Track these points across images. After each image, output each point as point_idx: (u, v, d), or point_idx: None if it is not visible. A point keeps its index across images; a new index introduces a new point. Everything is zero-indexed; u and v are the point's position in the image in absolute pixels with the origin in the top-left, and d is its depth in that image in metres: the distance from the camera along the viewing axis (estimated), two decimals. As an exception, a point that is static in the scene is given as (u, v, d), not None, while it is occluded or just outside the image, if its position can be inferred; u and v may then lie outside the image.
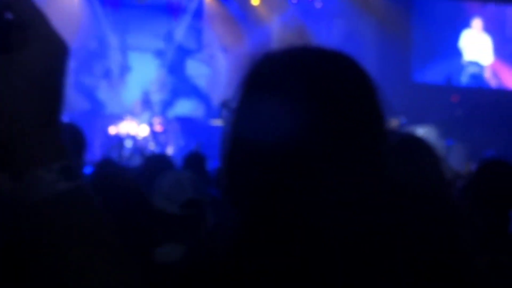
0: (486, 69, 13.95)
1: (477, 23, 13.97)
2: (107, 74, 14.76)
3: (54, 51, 0.56)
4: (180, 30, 14.95)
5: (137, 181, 3.80)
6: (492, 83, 14.13)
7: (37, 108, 0.53)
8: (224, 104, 0.81)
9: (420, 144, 1.50)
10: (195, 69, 15.35)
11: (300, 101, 0.69)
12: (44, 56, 0.55)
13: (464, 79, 13.96)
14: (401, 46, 13.31)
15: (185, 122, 13.23)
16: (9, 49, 0.54)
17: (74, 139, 2.77)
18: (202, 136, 12.69)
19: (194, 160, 4.80)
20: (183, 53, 15.16)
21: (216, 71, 15.33)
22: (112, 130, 12.57)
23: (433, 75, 14.15)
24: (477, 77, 13.87)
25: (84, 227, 0.53)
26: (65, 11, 13.59)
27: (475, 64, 13.86)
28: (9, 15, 0.55)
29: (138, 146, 11.33)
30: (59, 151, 0.54)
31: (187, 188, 2.33)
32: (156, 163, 3.33)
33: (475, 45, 13.82)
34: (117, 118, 12.93)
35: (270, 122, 0.70)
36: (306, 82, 0.71)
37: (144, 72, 14.56)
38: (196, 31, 15.28)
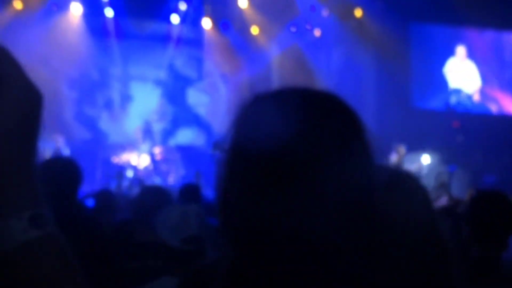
0: (474, 95, 14.11)
1: (461, 51, 14.21)
2: (108, 104, 14.92)
3: (28, 101, 0.57)
4: (181, 60, 15.19)
5: (133, 212, 3.81)
6: (493, 108, 14.19)
7: (11, 156, 0.54)
8: (216, 145, 0.80)
9: (408, 181, 1.49)
10: (196, 98, 15.51)
11: (288, 144, 0.70)
12: (18, 106, 0.55)
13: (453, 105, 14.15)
14: (400, 73, 13.43)
15: (186, 151, 13.28)
16: None
17: (70, 174, 2.79)
18: (203, 165, 12.66)
19: (189, 191, 4.81)
20: (184, 82, 15.34)
21: (216, 99, 15.48)
22: (114, 159, 12.61)
23: (433, 101, 14.24)
24: (462, 104, 14.05)
25: (54, 276, 0.53)
26: (67, 41, 13.85)
27: (459, 91, 14.08)
28: None
29: (139, 176, 11.32)
30: (32, 199, 0.55)
31: (192, 224, 2.34)
32: (151, 195, 3.34)
33: (459, 72, 14.07)
34: (118, 147, 13.03)
35: (257, 163, 0.71)
36: (293, 126, 0.72)
37: (145, 102, 14.74)
38: (196, 60, 15.48)
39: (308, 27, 14.02)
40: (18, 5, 13.05)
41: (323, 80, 14.38)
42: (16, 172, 0.54)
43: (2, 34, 12.83)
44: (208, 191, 9.24)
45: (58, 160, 3.83)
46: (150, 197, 3.47)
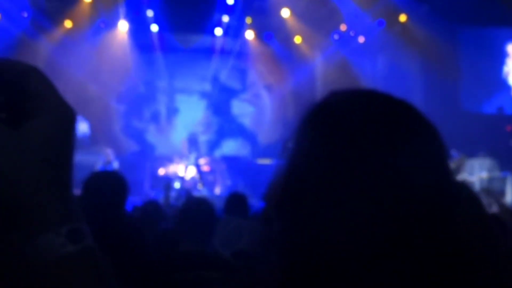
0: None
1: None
2: (155, 117, 15.31)
3: (63, 119, 0.58)
4: (225, 72, 15.41)
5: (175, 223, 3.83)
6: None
7: (47, 174, 0.56)
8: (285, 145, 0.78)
9: (463, 190, 1.44)
10: (240, 109, 15.71)
11: (359, 146, 0.68)
12: (53, 125, 0.57)
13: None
14: (448, 77, 13.11)
15: (231, 162, 13.40)
16: (19, 121, 0.56)
17: (117, 187, 2.86)
18: (249, 175, 12.77)
19: (236, 202, 4.79)
20: (228, 93, 15.56)
21: (261, 109, 15.65)
22: (161, 171, 12.87)
23: (484, 104, 13.80)
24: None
25: None
26: (114, 57, 14.31)
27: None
28: (18, 87, 0.57)
29: (185, 187, 11.49)
30: (69, 214, 0.56)
31: (244, 239, 2.33)
32: (196, 206, 3.37)
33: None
34: (165, 159, 13.31)
35: (328, 166, 0.69)
36: (366, 127, 0.70)
37: (190, 114, 15.04)
38: (240, 72, 15.69)
39: (351, 34, 13.90)
40: (68, 24, 13.60)
41: (368, 84, 14.19)
42: (53, 188, 0.56)
43: (55, 52, 13.41)
44: (254, 201, 9.28)
45: (105, 173, 3.93)
46: (195, 207, 3.48)
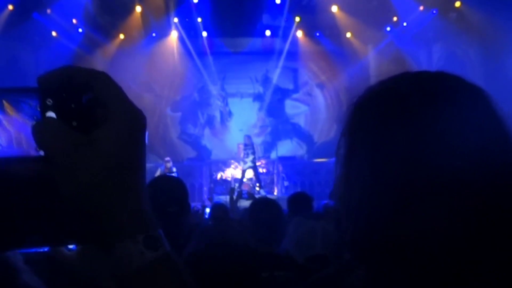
0: None
1: None
2: (210, 122, 15.69)
3: (133, 124, 0.58)
4: (276, 73, 15.64)
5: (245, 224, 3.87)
6: None
7: (120, 180, 0.56)
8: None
9: None
10: (293, 109, 15.85)
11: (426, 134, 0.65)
12: (124, 130, 0.56)
13: None
14: (509, 64, 12.71)
15: (288, 162, 13.50)
16: (90, 127, 0.56)
17: (178, 193, 2.97)
18: (306, 175, 12.82)
19: (300, 201, 4.69)
20: (281, 94, 15.74)
21: (314, 108, 15.75)
22: (218, 175, 13.15)
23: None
24: None
25: None
26: (167, 66, 14.80)
27: None
28: (89, 94, 0.58)
29: (245, 190, 11.65)
30: (144, 222, 0.56)
31: (317, 242, 2.36)
32: (263, 206, 3.32)
33: None
34: (222, 163, 13.72)
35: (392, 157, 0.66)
36: (430, 110, 0.67)
37: (244, 117, 15.35)
38: (292, 71, 15.85)
39: (404, 24, 13.70)
40: (121, 36, 14.22)
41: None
42: (127, 194, 0.56)
43: (110, 65, 13.98)
44: (314, 201, 9.31)
45: (165, 178, 3.95)
46: (262, 208, 3.32)
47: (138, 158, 0.58)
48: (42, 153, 0.55)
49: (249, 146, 12.14)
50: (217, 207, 5.40)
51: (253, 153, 12.13)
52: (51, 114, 0.56)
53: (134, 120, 0.58)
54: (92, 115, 0.57)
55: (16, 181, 0.55)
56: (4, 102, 0.56)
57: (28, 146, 0.57)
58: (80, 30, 13.45)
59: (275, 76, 15.57)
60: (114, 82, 0.59)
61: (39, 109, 0.56)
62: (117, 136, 0.56)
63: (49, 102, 0.56)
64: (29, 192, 0.55)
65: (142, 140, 0.59)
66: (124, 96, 0.59)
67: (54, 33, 13.08)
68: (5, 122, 0.56)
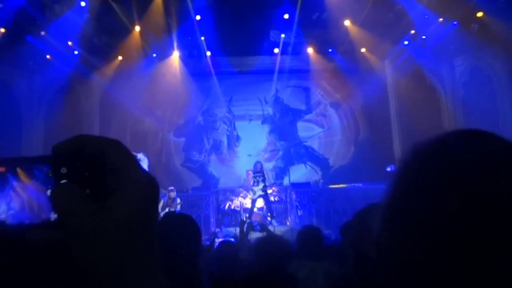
0: None
1: None
2: (216, 147, 15.65)
3: (147, 194, 0.61)
4: (287, 93, 15.65)
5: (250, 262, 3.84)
6: None
7: (134, 248, 0.59)
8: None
9: None
10: (307, 131, 15.77)
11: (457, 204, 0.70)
12: (138, 200, 0.60)
13: None
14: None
15: (301, 189, 13.29)
16: (104, 194, 0.60)
17: (189, 230, 2.91)
18: (321, 202, 12.63)
19: (309, 235, 4.66)
20: (292, 115, 15.72)
21: (329, 129, 15.67)
22: (227, 204, 13.00)
23: None
24: None
25: None
26: (169, 88, 14.80)
27: None
28: (101, 162, 0.62)
29: (255, 220, 11.51)
30: (155, 283, 0.59)
31: (320, 282, 2.35)
32: (272, 246, 3.33)
33: None
34: (230, 192, 13.60)
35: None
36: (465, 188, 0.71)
37: (254, 141, 15.34)
38: (304, 90, 15.85)
39: (423, 37, 13.60)
40: (119, 58, 14.24)
41: (448, 94, 13.83)
42: (141, 262, 0.59)
43: (108, 88, 13.99)
44: (330, 231, 9.12)
45: (175, 216, 3.96)
46: (268, 247, 3.45)
47: (151, 227, 0.61)
48: (54, 218, 0.61)
49: (259, 172, 12.04)
50: (225, 246, 5.17)
51: (264, 180, 12.03)
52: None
53: (148, 189, 0.62)
54: (105, 183, 0.61)
55: (31, 248, 0.60)
56: (18, 169, 0.62)
57: (39, 211, 0.62)
58: (76, 52, 13.50)
59: (286, 96, 15.59)
60: (127, 149, 0.64)
61: (53, 177, 0.62)
62: (131, 205, 0.60)
63: (63, 170, 0.62)
64: (44, 260, 0.60)
65: (156, 209, 0.63)
66: (137, 164, 0.63)
67: (48, 56, 13.11)
68: (18, 188, 0.62)
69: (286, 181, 14.58)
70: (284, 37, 14.29)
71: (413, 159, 0.78)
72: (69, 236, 0.58)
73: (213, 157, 15.54)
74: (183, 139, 15.55)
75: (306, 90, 15.74)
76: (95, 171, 0.61)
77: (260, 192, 11.96)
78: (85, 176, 0.61)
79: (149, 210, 0.61)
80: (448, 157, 0.74)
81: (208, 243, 8.52)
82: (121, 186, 0.60)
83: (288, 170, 15.05)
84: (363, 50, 14.40)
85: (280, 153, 15.44)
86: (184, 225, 2.78)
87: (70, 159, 0.61)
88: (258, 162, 12.32)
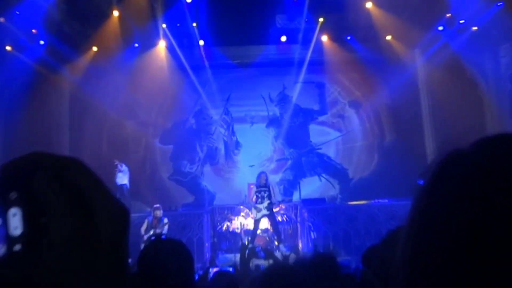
0: None
1: None
2: (211, 156, 15.64)
3: (114, 225, 0.64)
4: (297, 89, 15.58)
5: None
6: None
7: (102, 277, 0.62)
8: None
9: None
10: (321, 135, 15.73)
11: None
12: (105, 227, 0.63)
13: None
14: None
15: (315, 206, 13.25)
16: (73, 223, 0.62)
17: (179, 258, 2.92)
18: (339, 223, 12.58)
19: (321, 266, 4.64)
20: (303, 117, 15.73)
21: (348, 134, 15.65)
22: (224, 226, 12.94)
23: None
24: None
25: None
26: (154, 85, 14.80)
27: None
28: (60, 186, 0.63)
29: (259, 245, 11.46)
30: None
31: None
32: (275, 275, 3.32)
33: None
34: (228, 210, 13.46)
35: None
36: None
37: (257, 148, 15.31)
38: (317, 86, 15.84)
39: (461, 22, 13.61)
40: (94, 49, 14.34)
41: (491, 89, 13.82)
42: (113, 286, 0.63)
43: (81, 84, 13.99)
44: (348, 258, 9.03)
45: (163, 242, 4.03)
46: (279, 280, 3.49)
47: (122, 263, 0.64)
48: (18, 249, 0.62)
49: (263, 187, 11.97)
50: (221, 277, 5.12)
51: (269, 196, 11.96)
52: (15, 211, 0.62)
53: (117, 221, 0.64)
54: (74, 210, 0.63)
55: None
56: None
57: None
58: (41, 42, 13.50)
59: (295, 93, 15.56)
60: (90, 170, 0.65)
61: (1, 204, 0.62)
62: (103, 229, 0.62)
63: (13, 196, 0.62)
64: None
65: (126, 245, 0.65)
66: (103, 188, 0.65)
67: (8, 48, 13.10)
68: None
69: (296, 197, 14.47)
70: (293, 23, 14.28)
71: (441, 171, 0.82)
72: (37, 269, 0.60)
73: (207, 168, 15.52)
74: (171, 146, 15.53)
75: (320, 86, 15.74)
76: (52, 197, 0.62)
77: (265, 211, 11.89)
78: (39, 203, 0.62)
79: (119, 244, 0.63)
80: (476, 171, 0.78)
81: (201, 273, 8.50)
82: (83, 216, 0.62)
83: (299, 184, 14.89)
84: (388, 37, 14.40)
85: (289, 163, 15.44)
86: (173, 253, 2.79)
87: (22, 182, 0.62)
88: (262, 173, 12.26)
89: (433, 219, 0.79)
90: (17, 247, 0.62)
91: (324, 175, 15.44)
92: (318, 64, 15.12)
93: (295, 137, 15.52)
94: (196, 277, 6.41)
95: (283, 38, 14.62)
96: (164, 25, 14.10)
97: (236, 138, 15.61)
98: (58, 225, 0.62)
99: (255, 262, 10.12)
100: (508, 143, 0.82)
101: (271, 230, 12.22)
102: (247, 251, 10.40)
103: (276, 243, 12.00)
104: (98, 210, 0.63)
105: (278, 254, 11.16)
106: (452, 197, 0.77)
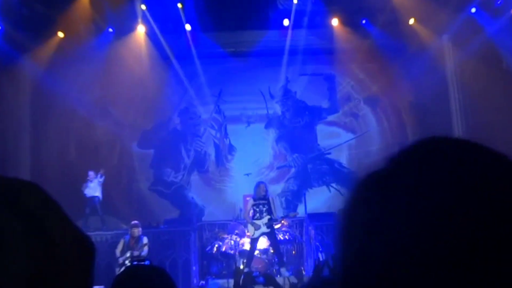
0: None
1: None
2: (200, 163, 15.67)
3: (80, 258, 0.67)
4: (301, 83, 15.64)
5: None
6: None
7: None
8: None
9: None
10: (331, 138, 15.78)
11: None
12: (70, 262, 0.65)
13: None
14: None
15: (324, 222, 13.22)
16: (30, 261, 0.63)
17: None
18: None
19: None
20: (309, 116, 15.78)
21: (364, 136, 15.70)
22: (215, 246, 12.93)
23: None
24: None
25: None
26: (133, 75, 14.78)
27: None
28: (14, 216, 0.64)
29: (256, 269, 11.47)
30: None
31: None
32: None
33: None
34: (220, 227, 13.49)
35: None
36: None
37: (254, 153, 15.32)
38: (327, 79, 15.87)
39: (498, 3, 13.63)
40: (60, 35, 14.30)
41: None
42: None
43: (44, 76, 13.95)
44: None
45: (140, 269, 4.03)
46: None
47: (89, 281, 0.67)
48: None
49: (262, 199, 11.94)
50: None
51: (269, 210, 11.93)
52: None
53: (80, 254, 0.66)
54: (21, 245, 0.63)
55: None
56: None
57: None
58: (-4, 27, 13.49)
59: (300, 88, 15.63)
60: (49, 197, 0.66)
61: None
62: (62, 269, 0.63)
63: None
64: None
65: (90, 271, 0.68)
66: (63, 216, 0.67)
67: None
68: None
69: (301, 212, 14.38)
70: (297, 4, 14.31)
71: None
72: None
73: (195, 176, 15.58)
74: (151, 151, 15.59)
75: (330, 79, 15.78)
76: (5, 230, 0.63)
77: (264, 228, 11.84)
78: None
79: (84, 274, 0.66)
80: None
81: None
82: (43, 253, 0.62)
83: (304, 196, 14.93)
84: (411, 21, 14.45)
85: (293, 170, 15.49)
86: (153, 281, 2.77)
87: None
88: (261, 183, 12.22)
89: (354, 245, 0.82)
90: None
91: (334, 185, 15.50)
92: (327, 53, 15.21)
93: (300, 139, 15.60)
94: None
95: (286, 22, 14.66)
96: (143, 7, 14.09)
97: (230, 141, 15.67)
98: (12, 264, 0.62)
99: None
100: (428, 149, 0.88)
101: (271, 251, 12.26)
102: (242, 276, 10.43)
103: (277, 266, 12.03)
104: (61, 245, 0.64)
105: (280, 280, 11.17)
106: (370, 221, 0.81)
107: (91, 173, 13.03)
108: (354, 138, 15.79)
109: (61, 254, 0.64)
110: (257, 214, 11.93)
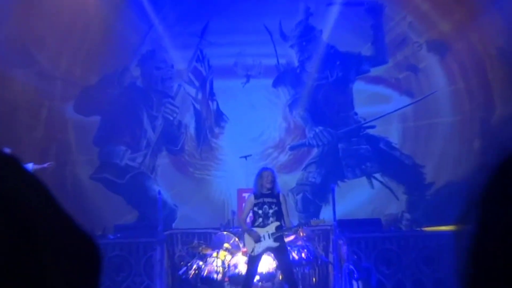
0: None
1: None
2: (171, 137, 15.87)
3: (80, 264, 0.77)
4: (330, 17, 15.63)
5: None
6: None
7: None
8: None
9: None
10: (375, 103, 15.99)
11: None
12: (67, 275, 0.77)
13: None
14: None
15: (361, 234, 13.48)
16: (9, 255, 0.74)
17: None
18: (406, 263, 12.74)
19: None
20: (343, 69, 15.87)
21: (426, 102, 15.80)
22: (193, 268, 12.92)
23: None
24: None
25: None
26: (68, 6, 14.78)
27: None
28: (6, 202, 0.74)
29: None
30: None
31: None
32: None
33: None
34: (203, 237, 13.64)
35: None
36: None
37: (255, 124, 15.55)
38: (370, 13, 15.88)
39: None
40: None
41: None
42: None
43: None
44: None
45: None
46: None
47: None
48: None
49: (268, 196, 11.91)
50: None
51: (278, 213, 11.92)
52: None
53: (85, 258, 0.79)
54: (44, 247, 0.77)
55: None
56: None
57: None
58: None
59: (328, 25, 15.60)
60: (64, 211, 0.81)
61: None
62: (71, 266, 0.76)
63: None
64: None
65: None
66: (56, 205, 0.80)
67: None
68: None
69: (327, 217, 14.21)
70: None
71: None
72: None
73: (163, 159, 15.76)
74: (97, 118, 15.68)
75: (375, 11, 15.80)
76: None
77: (270, 242, 11.85)
78: None
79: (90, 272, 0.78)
80: None
81: None
82: (58, 248, 0.74)
83: (333, 192, 14.51)
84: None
85: (315, 152, 15.59)
86: None
87: None
88: (265, 170, 12.21)
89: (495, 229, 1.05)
90: None
91: (379, 175, 15.58)
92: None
93: (327, 105, 15.64)
94: None
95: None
96: None
97: (218, 106, 15.74)
98: None
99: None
100: None
101: (280, 277, 12.39)
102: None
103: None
104: (48, 237, 0.74)
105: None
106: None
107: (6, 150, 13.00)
108: (412, 104, 15.85)
109: (44, 245, 0.72)
110: (260, 220, 11.89)
